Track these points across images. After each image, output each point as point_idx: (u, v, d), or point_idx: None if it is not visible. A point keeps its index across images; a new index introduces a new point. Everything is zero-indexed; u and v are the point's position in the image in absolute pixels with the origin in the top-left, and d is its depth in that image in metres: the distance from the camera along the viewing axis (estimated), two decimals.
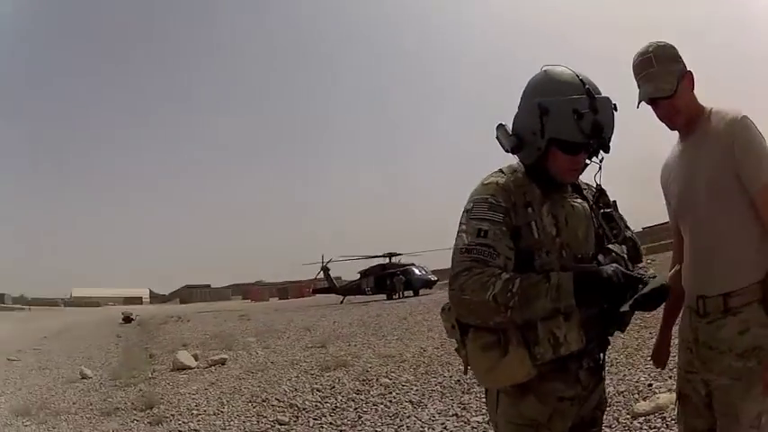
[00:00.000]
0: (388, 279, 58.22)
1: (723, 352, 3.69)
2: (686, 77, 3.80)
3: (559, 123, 3.23)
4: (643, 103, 3.87)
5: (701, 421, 3.93)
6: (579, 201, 3.60)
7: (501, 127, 3.54)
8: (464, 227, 3.28)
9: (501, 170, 3.51)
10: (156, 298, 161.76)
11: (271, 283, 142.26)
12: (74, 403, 13.97)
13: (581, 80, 3.32)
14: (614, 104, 3.35)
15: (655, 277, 3.29)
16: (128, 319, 45.24)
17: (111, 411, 12.55)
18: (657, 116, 3.92)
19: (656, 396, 8.09)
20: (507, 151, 3.50)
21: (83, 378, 17.48)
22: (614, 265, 3.23)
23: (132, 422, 11.51)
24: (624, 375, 9.76)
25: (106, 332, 36.15)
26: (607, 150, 3.40)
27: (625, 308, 3.15)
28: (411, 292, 56.99)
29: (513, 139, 3.42)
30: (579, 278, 3.08)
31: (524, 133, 3.38)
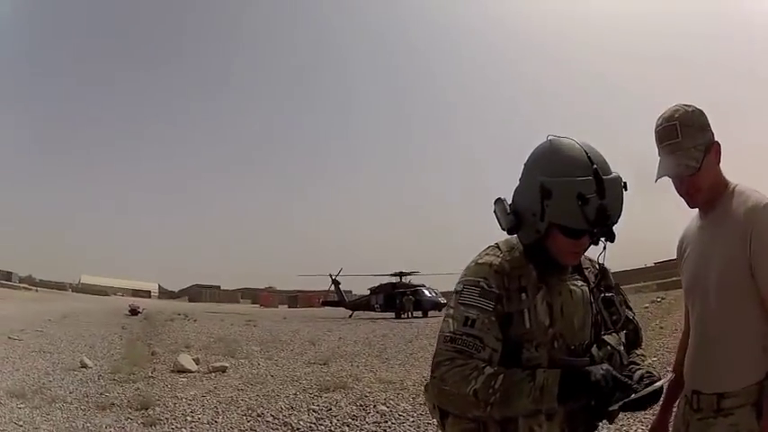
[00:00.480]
0: (397, 298, 58.22)
1: None
2: (712, 150, 3.54)
3: (561, 208, 3.02)
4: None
5: None
6: (579, 283, 3.41)
7: (499, 202, 3.35)
8: (452, 311, 3.15)
9: (498, 246, 3.38)
10: (164, 293, 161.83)
11: (281, 291, 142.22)
12: (70, 392, 13.99)
13: (589, 157, 3.06)
14: (624, 183, 3.11)
15: (649, 376, 3.24)
16: (134, 312, 45.30)
17: (107, 406, 12.57)
18: (678, 191, 3.67)
19: None
20: (504, 230, 3.33)
21: (82, 367, 17.52)
22: (605, 366, 3.02)
23: (126, 420, 11.51)
24: (623, 426, 9.74)
25: (111, 322, 36.16)
26: (611, 239, 3.19)
27: (614, 407, 3.04)
28: (420, 313, 56.92)
29: (512, 219, 3.24)
30: (566, 379, 2.93)
31: (524, 213, 3.20)
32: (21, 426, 10.58)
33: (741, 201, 3.50)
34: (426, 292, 59.01)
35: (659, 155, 3.62)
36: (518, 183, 3.32)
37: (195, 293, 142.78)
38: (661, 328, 19.70)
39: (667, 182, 3.66)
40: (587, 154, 3.07)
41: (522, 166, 3.30)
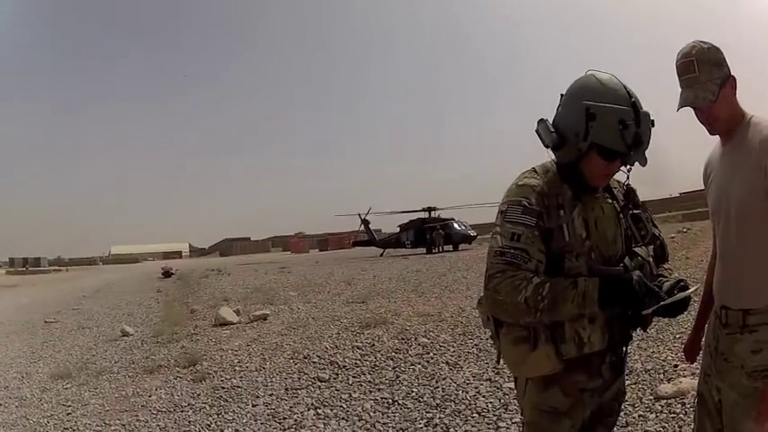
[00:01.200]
0: (427, 233, 58.21)
1: (736, 367, 3.72)
2: (728, 83, 3.70)
3: (604, 130, 3.35)
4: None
5: (711, 426, 3.97)
6: (609, 201, 3.73)
7: (542, 122, 3.61)
8: (498, 229, 3.46)
9: (534, 170, 3.65)
10: (195, 252, 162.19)
11: (311, 235, 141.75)
12: (116, 362, 14.19)
13: (627, 91, 3.44)
14: (653, 120, 3.45)
15: (679, 283, 3.48)
16: (167, 274, 45.39)
17: (154, 369, 12.79)
18: (699, 120, 3.84)
19: (680, 380, 8.19)
20: (546, 147, 3.59)
21: (123, 336, 17.70)
22: (638, 272, 3.38)
23: (175, 379, 11.72)
24: (653, 352, 9.87)
25: (146, 288, 36.34)
26: (644, 164, 3.48)
27: (647, 312, 3.32)
28: (450, 247, 56.88)
29: (555, 137, 3.52)
30: (604, 285, 3.26)
31: (567, 133, 3.48)
32: (69, 406, 10.71)
33: (757, 131, 3.65)
34: (456, 226, 58.85)
35: (680, 87, 3.75)
36: (558, 109, 3.65)
37: (226, 247, 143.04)
38: (687, 258, 19.70)
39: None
40: (626, 88, 3.45)
41: (562, 96, 3.65)
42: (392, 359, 11.28)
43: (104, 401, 10.80)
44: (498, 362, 3.89)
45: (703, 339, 4.30)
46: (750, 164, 3.60)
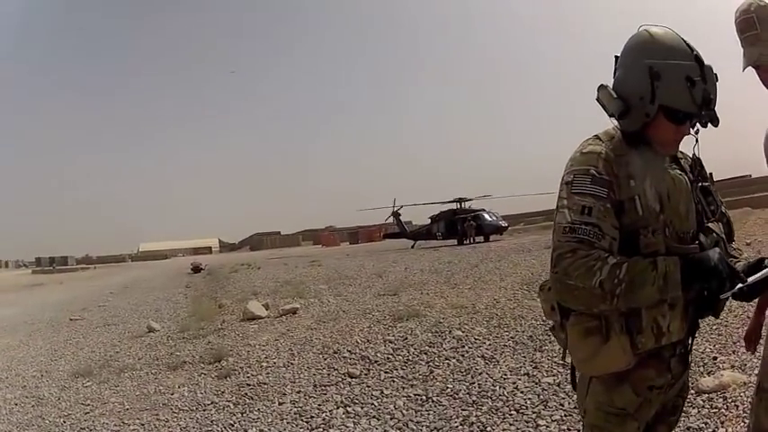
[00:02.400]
0: (458, 224, 58.19)
1: None
2: None
3: (672, 90, 3.05)
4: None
5: None
6: (679, 172, 3.35)
7: (603, 88, 3.30)
8: (566, 202, 3.09)
9: (598, 137, 3.30)
10: (225, 247, 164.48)
11: (341, 228, 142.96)
12: (139, 359, 14.01)
13: (687, 44, 3.12)
14: (716, 74, 3.13)
15: (754, 263, 3.16)
16: (197, 269, 45.30)
17: (178, 365, 12.57)
18: (761, 81, 3.52)
19: (720, 373, 7.86)
20: (611, 116, 3.28)
21: (149, 332, 17.53)
22: (717, 250, 3.02)
23: (199, 376, 11.51)
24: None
25: (174, 283, 36.34)
26: (716, 123, 3.18)
27: (726, 295, 3.00)
28: (482, 238, 56.80)
29: (620, 104, 3.19)
30: (686, 266, 2.91)
31: (631, 98, 3.17)
32: (87, 405, 10.54)
33: None
34: (487, 216, 58.70)
35: (741, 47, 3.46)
36: (616, 73, 3.33)
37: (256, 242, 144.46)
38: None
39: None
40: (685, 41, 3.13)
41: (618, 58, 3.32)
42: (426, 353, 10.97)
43: (125, 400, 10.63)
44: (564, 358, 3.47)
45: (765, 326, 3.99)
46: None
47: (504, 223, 59.17)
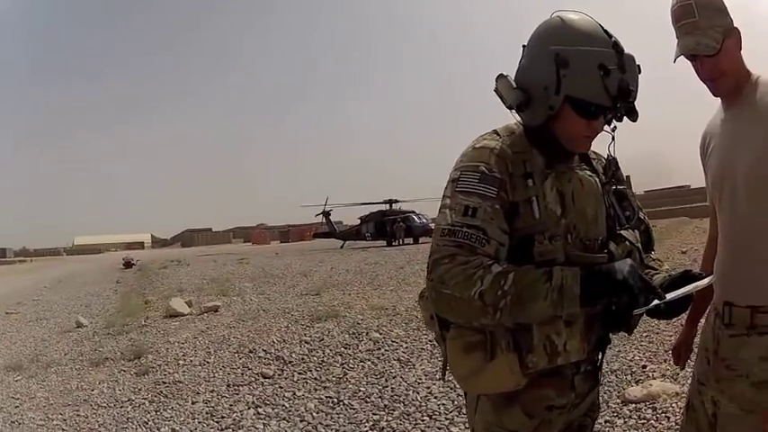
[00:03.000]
0: (388, 225, 58.50)
1: (740, 376, 3.15)
2: (733, 35, 3.20)
3: (581, 79, 2.66)
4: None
5: None
6: (589, 173, 3.02)
7: (502, 78, 2.90)
8: (448, 201, 2.68)
9: (496, 131, 2.90)
10: (157, 242, 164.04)
11: (273, 227, 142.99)
12: (65, 354, 13.87)
13: (605, 30, 2.74)
14: (639, 65, 2.76)
15: (677, 276, 2.90)
16: (128, 265, 44.89)
17: (101, 361, 12.45)
18: (699, 76, 3.31)
19: (649, 382, 7.66)
20: (509, 108, 2.87)
21: (78, 327, 17.33)
22: (629, 261, 2.60)
23: (119, 372, 11.41)
24: (619, 351, 9.27)
25: (106, 278, 35.98)
26: (634, 118, 2.83)
27: (640, 311, 2.60)
28: (411, 240, 57.14)
29: (520, 94, 2.79)
30: (588, 278, 2.50)
31: (533, 88, 2.77)
32: (17, 399, 10.44)
33: (767, 90, 3.16)
34: (416, 219, 59.08)
35: (676, 37, 3.27)
36: (521, 62, 2.92)
37: (187, 239, 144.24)
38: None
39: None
40: (603, 27, 2.76)
41: (524, 47, 2.92)
42: (341, 355, 10.93)
43: (50, 395, 10.56)
44: (444, 374, 3.05)
45: (697, 340, 3.75)
46: (760, 126, 3.09)
47: (433, 225, 58.23)
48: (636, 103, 2.77)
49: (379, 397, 8.61)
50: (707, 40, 3.11)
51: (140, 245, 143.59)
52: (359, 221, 63.37)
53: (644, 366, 8.46)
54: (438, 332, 2.86)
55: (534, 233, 2.67)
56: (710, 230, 3.74)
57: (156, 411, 8.93)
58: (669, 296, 2.63)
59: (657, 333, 9.67)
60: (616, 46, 2.68)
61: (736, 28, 3.19)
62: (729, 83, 3.24)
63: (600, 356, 3.06)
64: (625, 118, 2.80)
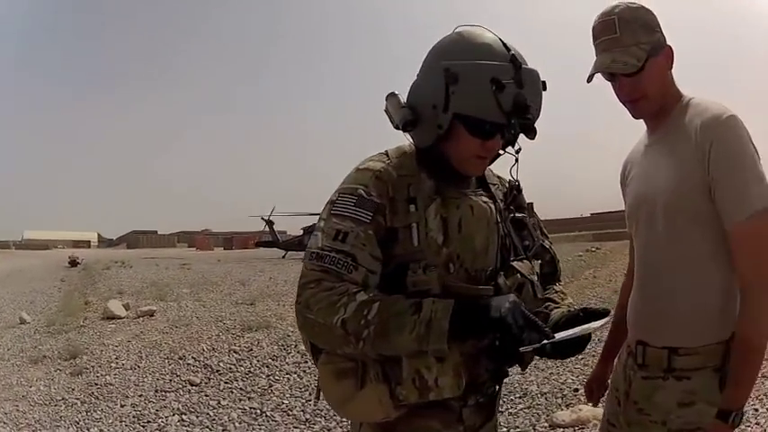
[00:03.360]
0: None
1: (654, 422, 2.89)
2: (662, 53, 2.92)
3: (471, 96, 2.46)
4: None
5: None
6: (484, 200, 2.81)
7: (392, 96, 2.74)
8: (323, 224, 2.57)
9: (386, 153, 2.75)
10: (103, 242, 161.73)
11: (217, 233, 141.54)
12: (8, 349, 13.99)
13: (504, 44, 2.53)
14: (544, 81, 2.59)
15: (573, 314, 2.71)
16: (74, 263, 44.48)
17: (39, 359, 12.59)
18: (618, 97, 3.04)
19: (579, 407, 7.46)
20: (396, 127, 2.71)
21: (21, 323, 17.40)
22: (511, 297, 2.41)
23: (56, 371, 11.54)
24: (550, 374, 9.25)
25: (52, 276, 35.66)
26: (532, 136, 2.61)
27: (527, 350, 2.38)
28: None
29: (407, 113, 2.63)
30: (460, 313, 2.32)
31: (422, 107, 2.60)
32: None
33: (697, 112, 2.86)
34: None
35: (595, 55, 2.99)
36: (414, 80, 2.74)
37: (133, 240, 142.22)
38: (594, 277, 19.40)
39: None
40: (502, 41, 2.55)
41: (422, 63, 2.72)
42: (268, 366, 11.07)
43: None
44: (317, 398, 2.75)
45: (611, 379, 3.45)
46: (687, 150, 2.80)
47: None
48: (537, 121, 2.57)
49: (302, 411, 8.72)
50: (626, 58, 2.85)
51: (87, 243, 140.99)
52: (302, 232, 61.99)
53: (576, 390, 8.37)
54: (311, 357, 2.72)
55: (410, 261, 2.52)
56: (630, 264, 3.52)
57: (87, 412, 9.07)
58: (559, 335, 2.44)
59: (594, 356, 9.19)
60: (514, 60, 2.49)
61: (668, 46, 2.95)
62: (651, 106, 2.98)
63: (496, 388, 2.89)
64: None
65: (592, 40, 3.01)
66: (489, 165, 2.85)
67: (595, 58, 2.98)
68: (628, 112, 3.08)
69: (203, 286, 25.34)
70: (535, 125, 2.56)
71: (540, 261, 2.93)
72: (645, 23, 2.90)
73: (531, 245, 2.89)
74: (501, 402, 7.97)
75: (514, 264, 2.77)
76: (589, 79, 3.03)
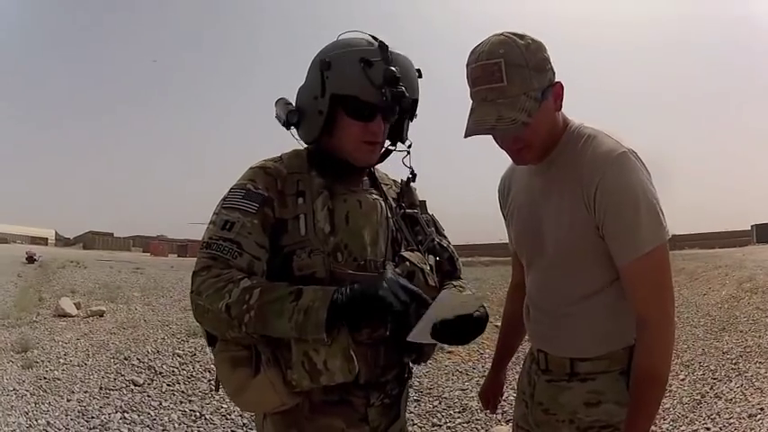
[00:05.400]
0: None
1: (562, 421, 2.85)
2: (552, 92, 2.63)
3: (343, 75, 2.59)
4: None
5: None
6: (374, 197, 2.91)
7: (280, 101, 2.88)
8: (214, 217, 2.63)
9: (280, 155, 2.87)
10: (60, 241, 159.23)
11: (172, 239, 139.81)
12: None
13: (375, 38, 2.63)
14: (418, 69, 2.72)
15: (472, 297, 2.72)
16: (31, 260, 43.28)
17: None
18: (498, 145, 2.80)
19: None
20: (284, 125, 2.83)
21: None
22: (389, 274, 2.46)
23: (8, 363, 11.50)
24: None
25: (9, 270, 34.60)
26: (409, 113, 2.75)
27: (416, 337, 2.40)
28: None
29: (293, 109, 2.79)
30: (349, 299, 2.35)
31: (306, 102, 2.75)
32: None
33: (587, 145, 2.69)
34: None
35: (472, 102, 2.62)
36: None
37: (89, 241, 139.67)
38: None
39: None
40: (374, 37, 2.64)
41: None
42: (209, 371, 11.06)
43: None
44: (217, 389, 2.79)
45: (517, 382, 3.37)
46: (575, 189, 2.66)
47: None
48: (415, 101, 2.68)
49: (240, 415, 8.76)
50: (514, 114, 2.50)
51: (44, 240, 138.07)
52: None
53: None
54: (208, 346, 2.75)
55: (296, 248, 2.60)
56: (514, 278, 3.49)
57: (35, 404, 9.10)
58: (445, 316, 2.43)
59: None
60: (382, 44, 2.59)
61: (558, 82, 2.65)
62: (536, 153, 2.77)
63: (398, 389, 2.90)
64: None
65: (469, 84, 2.63)
66: (381, 161, 2.98)
67: (472, 107, 2.62)
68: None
69: (154, 291, 25.18)
70: (411, 102, 2.63)
71: (437, 258, 2.92)
72: (536, 64, 2.55)
73: (423, 239, 2.90)
74: (439, 417, 7.98)
75: (404, 253, 2.78)
76: (466, 135, 2.60)
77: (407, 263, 2.71)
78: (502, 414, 8.06)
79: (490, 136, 2.67)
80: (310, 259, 2.57)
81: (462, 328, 2.51)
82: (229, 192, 2.67)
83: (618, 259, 2.62)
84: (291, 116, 2.78)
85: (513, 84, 2.49)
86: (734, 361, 10.83)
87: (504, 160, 2.99)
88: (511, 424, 6.69)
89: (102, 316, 17.10)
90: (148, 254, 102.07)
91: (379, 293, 2.32)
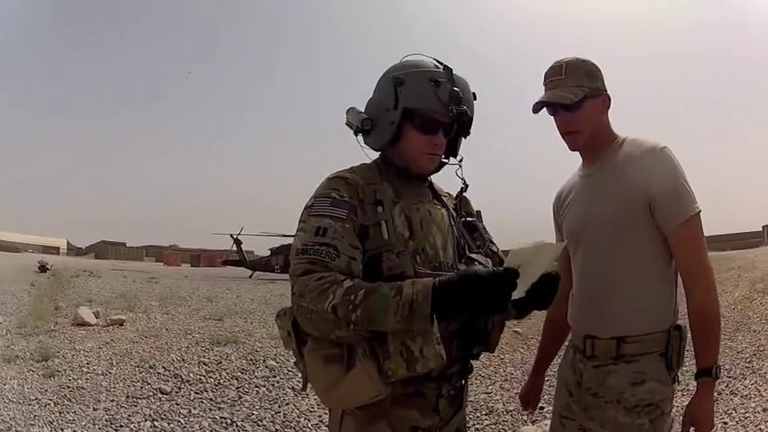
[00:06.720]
0: None
1: (609, 402, 3.21)
2: (600, 98, 3.40)
3: (415, 91, 2.87)
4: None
5: None
6: (438, 207, 3.14)
7: (352, 109, 3.12)
8: (303, 225, 2.78)
9: (352, 166, 3.03)
10: (72, 250, 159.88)
11: (185, 249, 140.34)
12: None
13: (439, 62, 2.98)
14: (474, 93, 3.05)
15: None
16: (43, 269, 43.67)
17: (12, 359, 12.41)
18: (558, 130, 3.49)
19: (545, 422, 7.45)
20: (356, 132, 3.09)
21: None
22: (475, 267, 2.66)
23: (28, 371, 11.39)
24: (516, 393, 8.51)
25: (23, 279, 35.00)
26: (466, 133, 3.10)
27: (520, 294, 2.45)
28: None
29: (365, 117, 3.01)
30: (441, 290, 2.44)
31: (377, 112, 2.99)
32: None
33: (636, 145, 3.37)
34: None
35: (545, 92, 3.46)
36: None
37: (102, 250, 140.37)
38: None
39: None
40: (437, 60, 3.01)
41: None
42: (237, 379, 11.06)
43: None
44: (304, 388, 2.97)
45: (556, 378, 3.79)
46: (629, 176, 3.28)
47: None
48: (470, 117, 3.01)
49: (272, 421, 8.76)
50: (565, 93, 3.32)
51: (56, 250, 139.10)
52: (269, 252, 61.68)
53: (542, 408, 7.74)
54: (295, 348, 2.82)
55: (383, 251, 2.74)
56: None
57: (60, 413, 9.00)
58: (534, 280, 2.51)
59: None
60: (447, 68, 2.96)
61: (606, 94, 3.44)
62: (584, 140, 3.44)
63: (462, 382, 3.05)
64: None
65: (543, 82, 3.49)
66: (436, 171, 3.18)
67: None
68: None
69: (171, 300, 25.29)
70: (468, 120, 3.01)
71: (491, 262, 3.12)
72: (588, 72, 3.41)
73: (482, 244, 3.20)
74: (467, 419, 8.05)
75: (472, 255, 3.08)
76: (535, 110, 3.46)
77: (476, 263, 2.98)
78: (528, 416, 8.30)
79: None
80: (399, 260, 2.73)
81: (546, 288, 2.72)
82: (315, 200, 2.83)
83: (668, 225, 3.22)
84: (366, 123, 3.02)
85: (569, 77, 3.37)
86: (748, 359, 11.47)
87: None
88: (537, 424, 7.26)
89: (122, 325, 17.06)
90: (161, 263, 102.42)
91: (476, 272, 2.45)
